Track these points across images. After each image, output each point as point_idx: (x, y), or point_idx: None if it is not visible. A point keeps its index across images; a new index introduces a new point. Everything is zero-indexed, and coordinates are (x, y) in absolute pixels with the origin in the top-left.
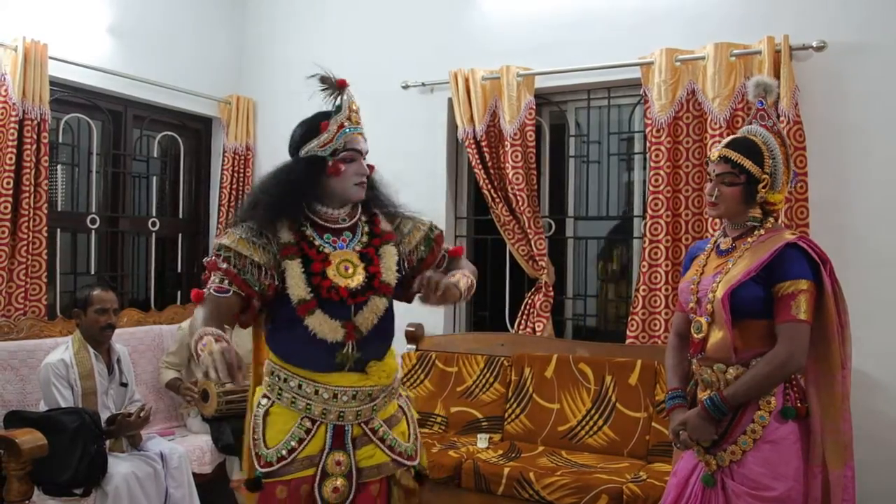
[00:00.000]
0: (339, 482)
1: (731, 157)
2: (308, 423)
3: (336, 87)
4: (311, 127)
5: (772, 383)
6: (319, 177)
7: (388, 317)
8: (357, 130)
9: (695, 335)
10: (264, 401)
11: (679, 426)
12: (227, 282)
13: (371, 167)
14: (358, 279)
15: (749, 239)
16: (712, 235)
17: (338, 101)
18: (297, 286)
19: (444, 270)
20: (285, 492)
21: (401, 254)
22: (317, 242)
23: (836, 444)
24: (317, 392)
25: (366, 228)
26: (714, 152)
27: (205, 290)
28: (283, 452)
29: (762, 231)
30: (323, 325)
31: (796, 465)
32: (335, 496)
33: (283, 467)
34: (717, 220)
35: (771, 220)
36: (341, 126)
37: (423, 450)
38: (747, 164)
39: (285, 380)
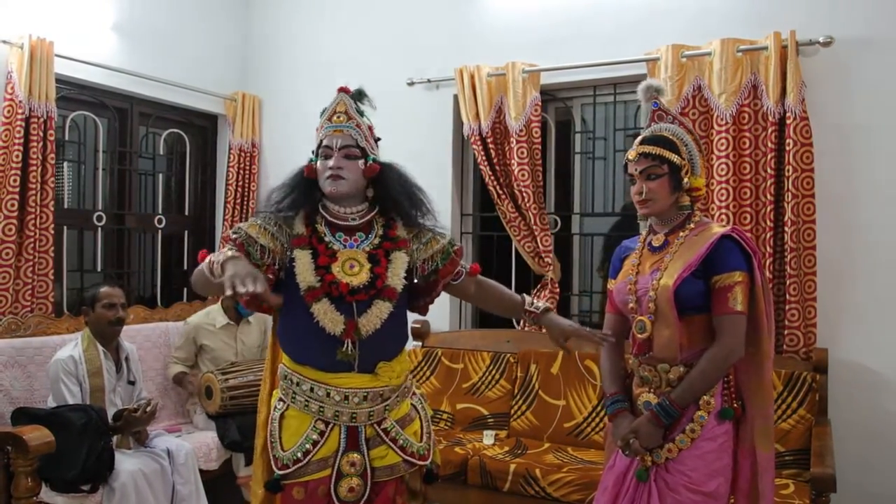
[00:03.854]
0: (355, 482)
1: (649, 151)
2: (321, 426)
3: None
4: None
5: (716, 377)
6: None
7: (397, 320)
8: (335, 128)
9: (638, 335)
10: (280, 404)
11: (630, 434)
12: (234, 251)
13: (373, 167)
14: (362, 277)
15: (681, 233)
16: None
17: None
18: (305, 273)
19: (467, 289)
20: (303, 493)
21: (412, 262)
22: (327, 239)
23: (765, 428)
24: (328, 394)
25: (380, 231)
26: (630, 153)
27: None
28: (299, 455)
29: (692, 225)
30: (327, 314)
31: (727, 461)
32: (351, 496)
33: (299, 469)
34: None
35: (698, 212)
36: (321, 127)
37: (436, 447)
38: (666, 153)
39: (297, 383)
